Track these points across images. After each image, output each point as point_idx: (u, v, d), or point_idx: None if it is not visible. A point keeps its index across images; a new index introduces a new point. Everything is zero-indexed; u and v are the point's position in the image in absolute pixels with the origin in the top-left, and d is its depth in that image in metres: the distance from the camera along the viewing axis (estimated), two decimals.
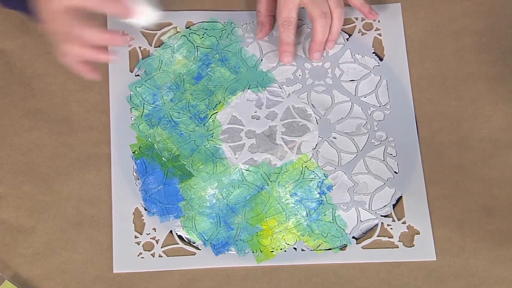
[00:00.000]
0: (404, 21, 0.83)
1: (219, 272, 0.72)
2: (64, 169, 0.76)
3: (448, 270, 0.73)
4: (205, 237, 0.74)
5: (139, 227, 0.74)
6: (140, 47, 0.81)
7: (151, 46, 0.81)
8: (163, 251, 0.73)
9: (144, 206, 0.74)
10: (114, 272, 0.72)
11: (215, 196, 0.75)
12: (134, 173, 0.76)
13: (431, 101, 0.80)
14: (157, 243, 0.73)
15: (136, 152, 0.76)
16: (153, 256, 0.73)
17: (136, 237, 0.73)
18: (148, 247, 0.73)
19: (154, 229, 0.74)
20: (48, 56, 0.79)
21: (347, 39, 0.83)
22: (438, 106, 0.80)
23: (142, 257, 0.73)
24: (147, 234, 0.74)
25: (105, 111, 0.78)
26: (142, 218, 0.74)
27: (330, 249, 0.74)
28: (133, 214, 0.74)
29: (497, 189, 0.76)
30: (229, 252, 0.73)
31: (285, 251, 0.73)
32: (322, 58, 0.81)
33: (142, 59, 0.80)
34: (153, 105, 0.79)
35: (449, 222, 0.74)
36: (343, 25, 0.80)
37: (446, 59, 0.82)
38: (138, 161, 0.76)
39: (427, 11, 0.84)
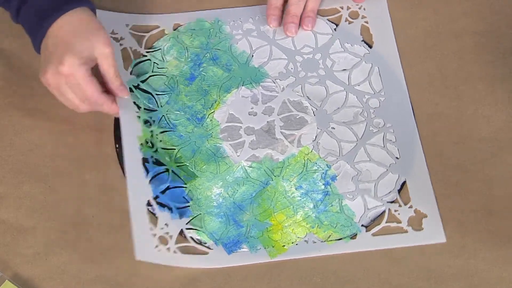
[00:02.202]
0: (404, 21, 0.83)
1: (219, 272, 0.72)
2: (64, 169, 0.76)
3: (448, 270, 0.73)
4: (216, 237, 0.73)
5: (153, 221, 0.73)
6: (131, 48, 0.81)
7: (141, 47, 0.81)
8: (177, 247, 0.72)
9: (156, 201, 0.73)
10: (136, 259, 0.70)
11: (221, 195, 0.75)
12: (144, 171, 0.75)
13: (431, 101, 0.80)
14: (170, 239, 0.72)
15: (142, 145, 0.76)
16: (169, 251, 0.72)
17: (151, 229, 0.72)
18: (163, 241, 0.72)
19: (167, 224, 0.73)
20: None
21: (335, 29, 0.84)
22: (438, 106, 0.80)
23: (158, 250, 0.71)
24: (161, 228, 0.72)
25: None
26: (154, 213, 0.73)
27: (340, 239, 0.73)
28: (147, 207, 0.73)
29: (498, 189, 0.76)
30: (242, 250, 0.73)
31: (296, 244, 0.73)
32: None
33: (134, 59, 0.81)
34: (149, 109, 0.78)
35: (449, 222, 0.74)
36: (329, 16, 0.83)
37: (446, 59, 0.82)
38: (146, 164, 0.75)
39: (427, 11, 0.84)
